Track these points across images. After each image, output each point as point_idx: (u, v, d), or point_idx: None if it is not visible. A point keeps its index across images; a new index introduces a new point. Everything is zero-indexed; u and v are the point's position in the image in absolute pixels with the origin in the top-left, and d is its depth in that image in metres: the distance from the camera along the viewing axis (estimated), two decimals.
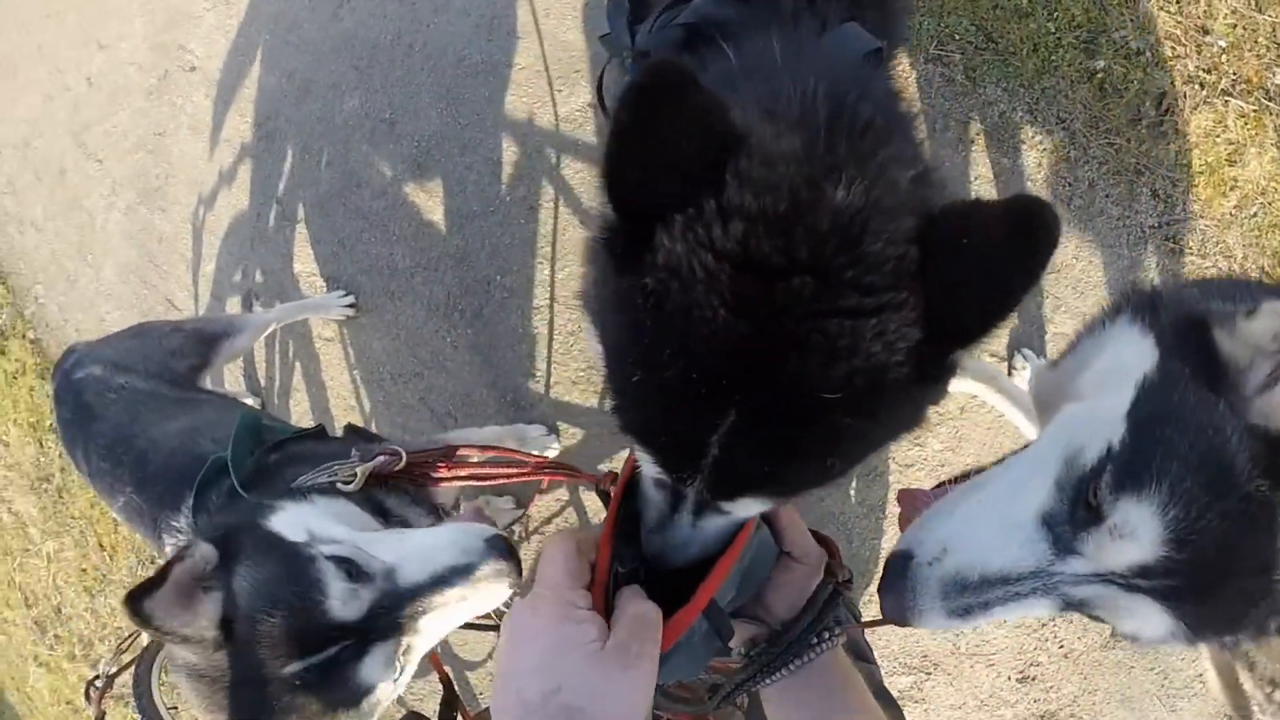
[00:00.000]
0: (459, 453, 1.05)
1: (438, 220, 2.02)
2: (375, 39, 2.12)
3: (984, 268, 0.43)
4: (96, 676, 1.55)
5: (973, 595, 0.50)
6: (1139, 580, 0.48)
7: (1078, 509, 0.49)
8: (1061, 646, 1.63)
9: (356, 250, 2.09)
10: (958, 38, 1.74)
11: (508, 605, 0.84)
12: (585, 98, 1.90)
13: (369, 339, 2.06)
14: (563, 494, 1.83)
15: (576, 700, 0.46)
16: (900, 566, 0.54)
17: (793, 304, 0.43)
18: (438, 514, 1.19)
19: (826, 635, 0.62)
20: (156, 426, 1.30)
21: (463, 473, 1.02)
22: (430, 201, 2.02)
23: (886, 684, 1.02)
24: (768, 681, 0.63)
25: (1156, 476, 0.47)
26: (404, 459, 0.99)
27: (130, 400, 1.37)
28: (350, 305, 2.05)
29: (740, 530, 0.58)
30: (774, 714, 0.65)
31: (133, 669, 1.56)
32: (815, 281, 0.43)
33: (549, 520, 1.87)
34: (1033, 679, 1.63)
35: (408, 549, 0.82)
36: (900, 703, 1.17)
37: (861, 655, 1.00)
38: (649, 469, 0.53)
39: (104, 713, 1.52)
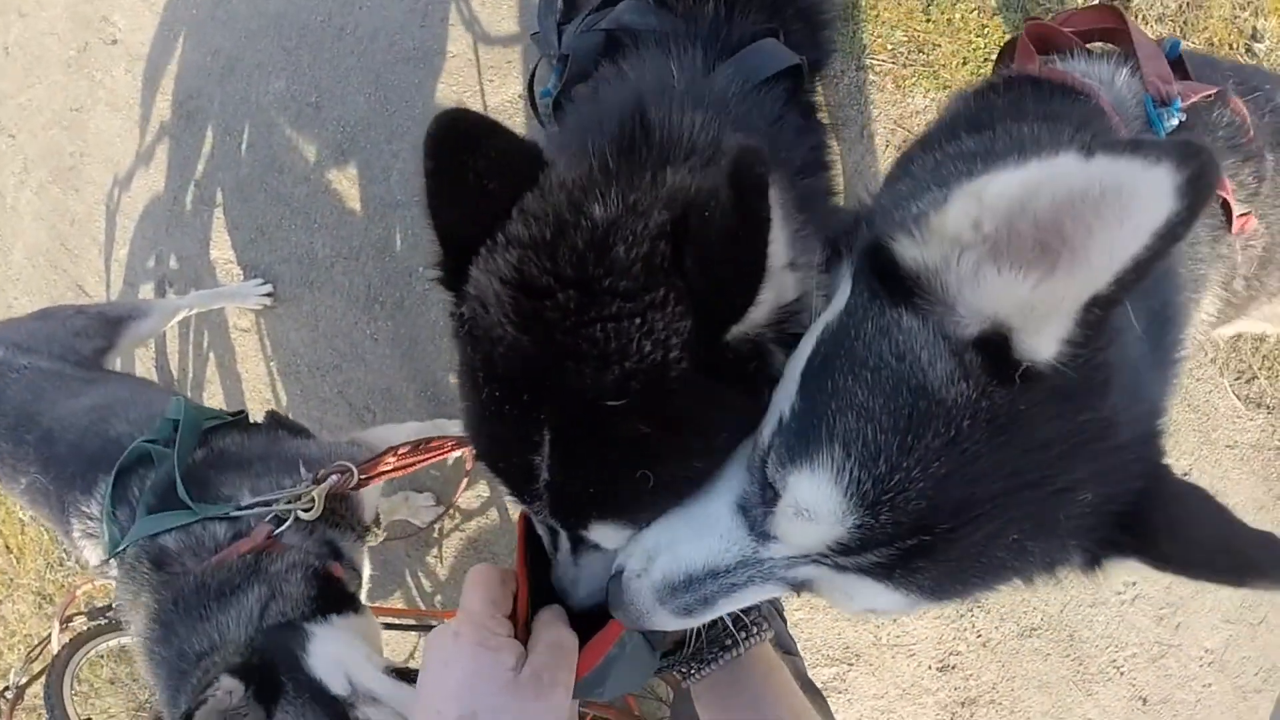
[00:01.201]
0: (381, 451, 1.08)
1: (360, 209, 1.96)
2: (305, 20, 2.05)
3: (724, 237, 0.42)
4: (6, 687, 1.46)
5: (689, 593, 0.48)
6: (843, 559, 0.41)
7: (766, 490, 0.44)
8: (980, 636, 1.67)
9: (276, 238, 2.01)
10: (889, 48, 1.77)
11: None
12: (516, 89, 1.87)
13: (286, 330, 1.99)
14: (483, 489, 1.79)
15: None
16: (615, 583, 0.52)
17: (560, 317, 0.46)
18: (364, 532, 1.20)
19: (754, 630, 0.64)
20: (63, 404, 1.26)
21: (389, 465, 1.03)
22: (353, 189, 1.96)
23: (811, 675, 1.04)
24: (696, 677, 0.64)
25: (827, 439, 0.40)
26: (356, 475, 1.01)
27: (34, 380, 1.32)
28: (268, 294, 1.97)
29: None
30: (705, 708, 0.66)
31: (44, 678, 1.49)
32: (578, 294, 0.46)
33: (470, 517, 1.82)
34: (953, 668, 1.67)
35: None
36: (824, 693, 1.18)
37: (785, 648, 1.04)
38: (508, 497, 0.57)
39: None
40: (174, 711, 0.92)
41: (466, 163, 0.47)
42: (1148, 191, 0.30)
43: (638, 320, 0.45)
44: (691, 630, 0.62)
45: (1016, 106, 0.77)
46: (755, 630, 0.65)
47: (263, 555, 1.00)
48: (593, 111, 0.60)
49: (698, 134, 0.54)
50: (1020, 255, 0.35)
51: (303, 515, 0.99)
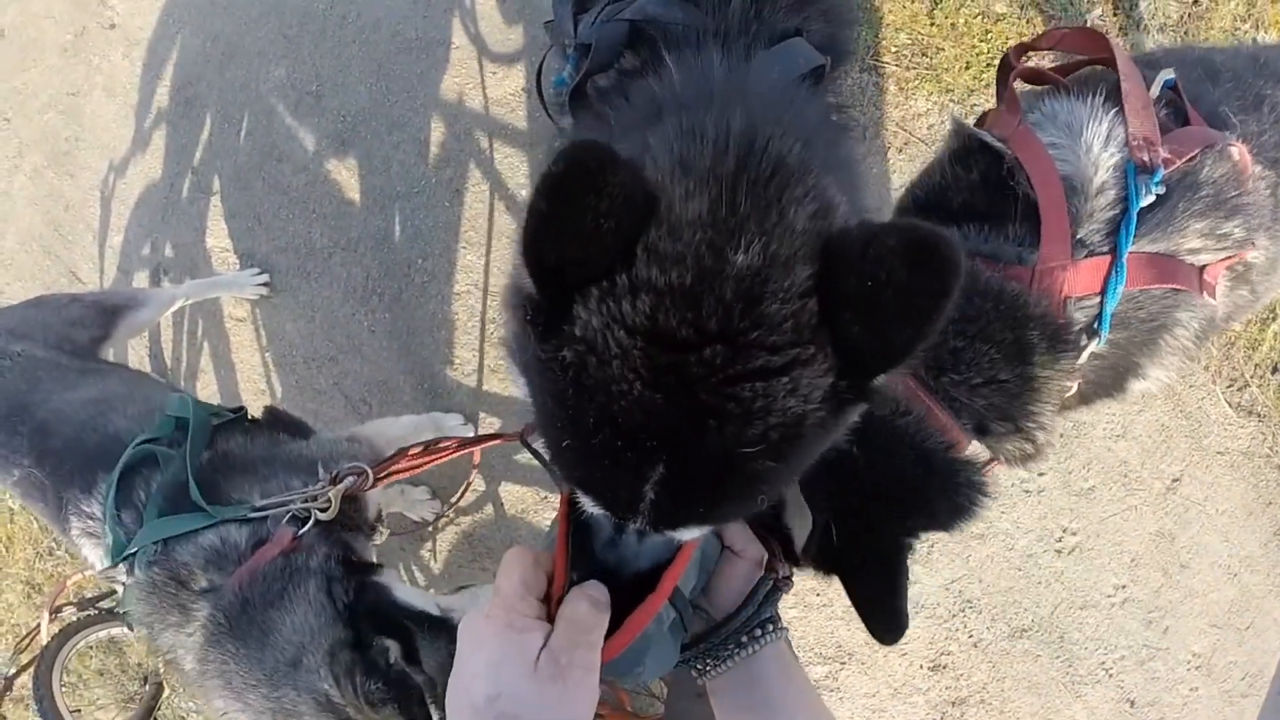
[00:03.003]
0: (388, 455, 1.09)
1: (359, 199, 1.94)
2: (307, 7, 2.03)
3: (894, 308, 0.43)
4: None
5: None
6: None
7: None
8: (971, 636, 1.68)
9: (273, 227, 2.00)
10: (894, 50, 1.77)
11: None
12: (519, 82, 1.86)
13: (283, 320, 1.97)
14: (478, 484, 1.78)
15: (513, 708, 0.49)
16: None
17: (705, 374, 0.44)
18: (373, 531, 1.22)
19: (770, 628, 0.64)
20: (59, 396, 1.24)
21: (402, 466, 1.02)
22: (353, 180, 1.94)
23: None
24: (714, 673, 0.64)
25: None
26: (371, 476, 1.00)
27: (28, 368, 1.30)
28: (264, 284, 1.95)
29: None
30: (722, 707, 0.66)
31: (33, 669, 1.47)
32: (725, 349, 0.44)
33: (466, 512, 1.81)
34: (944, 667, 1.68)
35: None
36: (817, 692, 1.19)
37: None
38: (591, 509, 0.54)
39: (3, 716, 1.41)
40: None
41: (588, 203, 0.42)
42: None
43: (784, 379, 0.44)
44: (710, 623, 0.64)
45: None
46: (771, 629, 0.65)
47: (289, 556, 0.99)
48: (686, 122, 0.54)
49: (790, 155, 0.51)
50: None
51: (320, 516, 0.98)
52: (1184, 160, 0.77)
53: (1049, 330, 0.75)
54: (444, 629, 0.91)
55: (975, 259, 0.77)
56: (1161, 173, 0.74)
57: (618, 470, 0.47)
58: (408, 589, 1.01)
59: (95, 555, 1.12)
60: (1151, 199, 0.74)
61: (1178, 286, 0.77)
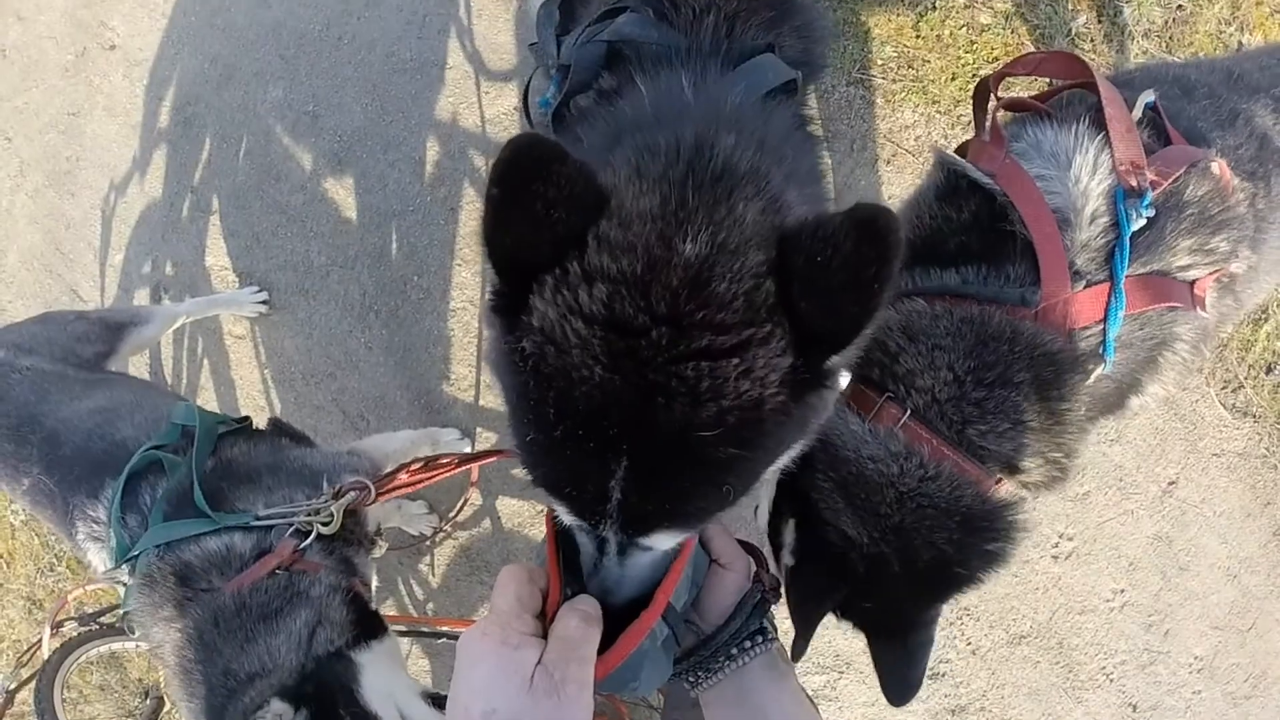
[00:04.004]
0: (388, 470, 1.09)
1: (356, 218, 1.96)
2: (304, 29, 2.06)
3: (840, 279, 0.45)
4: None
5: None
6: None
7: None
8: (969, 643, 1.67)
9: (272, 245, 2.02)
10: (880, 63, 1.79)
11: None
12: (512, 100, 1.88)
13: (281, 337, 1.99)
14: (476, 499, 1.79)
15: None
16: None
17: (653, 355, 0.46)
18: (373, 545, 1.22)
19: (760, 639, 0.65)
20: (67, 406, 1.26)
21: (403, 481, 1.03)
22: (349, 198, 1.97)
23: (801, 683, 1.03)
24: (706, 684, 0.65)
25: None
26: (373, 491, 1.01)
27: (36, 381, 1.32)
28: (263, 302, 1.97)
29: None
30: (714, 716, 0.67)
31: (34, 683, 1.47)
32: (670, 330, 0.46)
33: (463, 527, 1.82)
34: (942, 675, 1.67)
35: None
36: (815, 701, 1.18)
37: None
38: (565, 518, 0.55)
39: None
40: None
41: (537, 190, 0.45)
42: None
43: (735, 360, 0.46)
44: (699, 636, 0.66)
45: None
46: (761, 640, 0.65)
47: (295, 574, 1.00)
48: (643, 138, 0.57)
49: (742, 161, 0.54)
50: None
51: (323, 530, 0.99)
52: (1170, 181, 0.78)
53: (1063, 363, 0.76)
54: None
55: (984, 305, 0.78)
56: (1150, 195, 0.75)
57: (583, 464, 0.48)
58: (383, 677, 0.95)
59: (99, 558, 1.13)
60: (1142, 222, 0.76)
61: (1174, 304, 0.79)
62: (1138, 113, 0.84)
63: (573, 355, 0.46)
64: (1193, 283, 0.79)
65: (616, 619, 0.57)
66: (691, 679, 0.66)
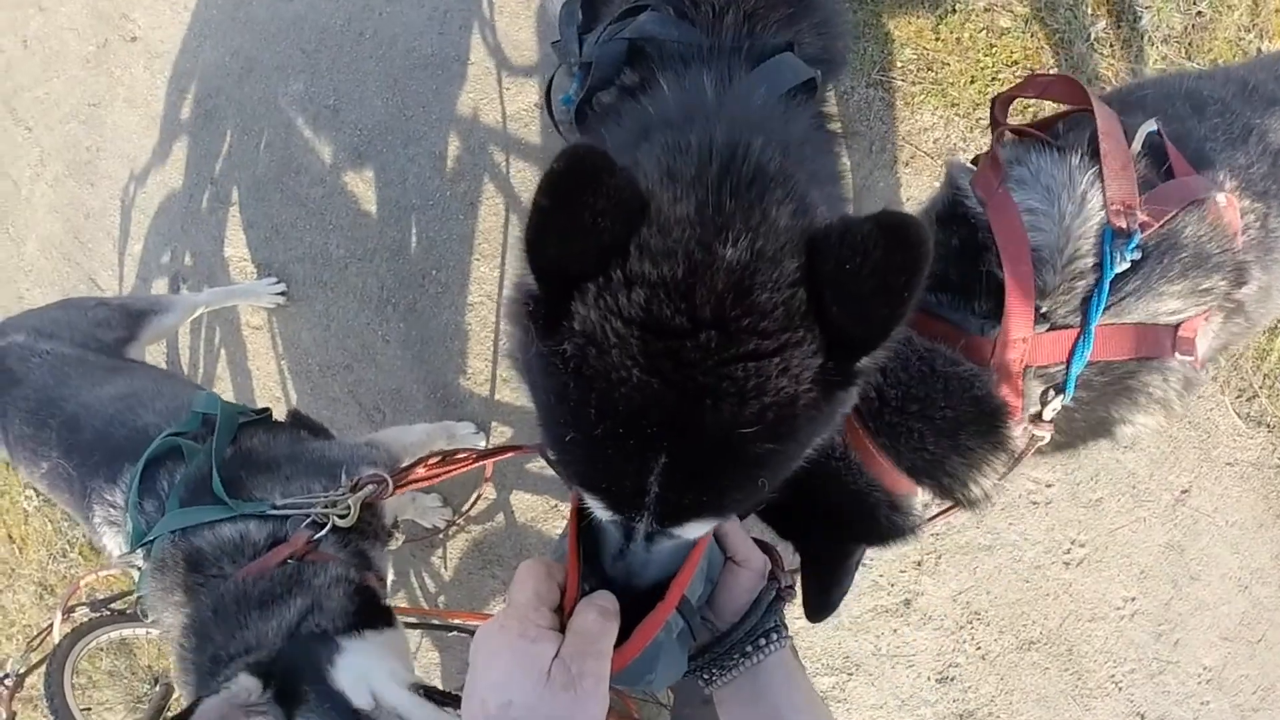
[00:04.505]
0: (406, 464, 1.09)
1: (375, 211, 1.98)
2: (325, 23, 2.08)
3: (870, 285, 0.46)
4: (5, 675, 1.45)
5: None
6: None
7: None
8: (979, 648, 1.67)
9: (291, 237, 2.03)
10: (899, 65, 1.79)
11: None
12: (533, 97, 1.89)
13: (298, 329, 2.00)
14: (489, 492, 1.80)
15: (525, 716, 0.50)
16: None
17: (701, 358, 0.47)
18: (389, 538, 1.21)
19: (774, 636, 0.65)
20: (88, 391, 1.26)
21: (420, 475, 1.03)
22: (369, 192, 1.98)
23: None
24: (720, 682, 0.65)
25: None
26: (391, 485, 1.01)
27: (57, 365, 1.33)
28: (281, 293, 1.99)
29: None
30: (727, 714, 0.67)
31: (44, 668, 1.48)
32: (719, 334, 0.47)
33: (476, 520, 1.83)
34: (951, 679, 1.67)
35: None
36: (824, 703, 1.19)
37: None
38: (599, 512, 0.55)
39: (14, 714, 1.43)
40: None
41: (586, 201, 0.46)
42: None
43: (776, 360, 0.47)
44: (714, 633, 0.66)
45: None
46: (775, 637, 0.66)
47: (305, 565, 0.99)
48: (672, 137, 0.57)
49: (771, 163, 0.55)
50: None
51: (339, 523, 0.99)
52: (1162, 222, 0.76)
53: (987, 409, 0.77)
54: (346, 716, 0.84)
55: (946, 332, 0.80)
56: (1138, 238, 0.74)
57: (621, 461, 0.49)
58: (367, 663, 0.92)
59: (115, 543, 1.14)
60: (1126, 265, 0.74)
61: (1148, 356, 0.78)
62: (1137, 145, 0.82)
63: (615, 357, 0.47)
64: (1178, 325, 0.77)
65: (631, 614, 0.58)
66: (706, 676, 0.67)
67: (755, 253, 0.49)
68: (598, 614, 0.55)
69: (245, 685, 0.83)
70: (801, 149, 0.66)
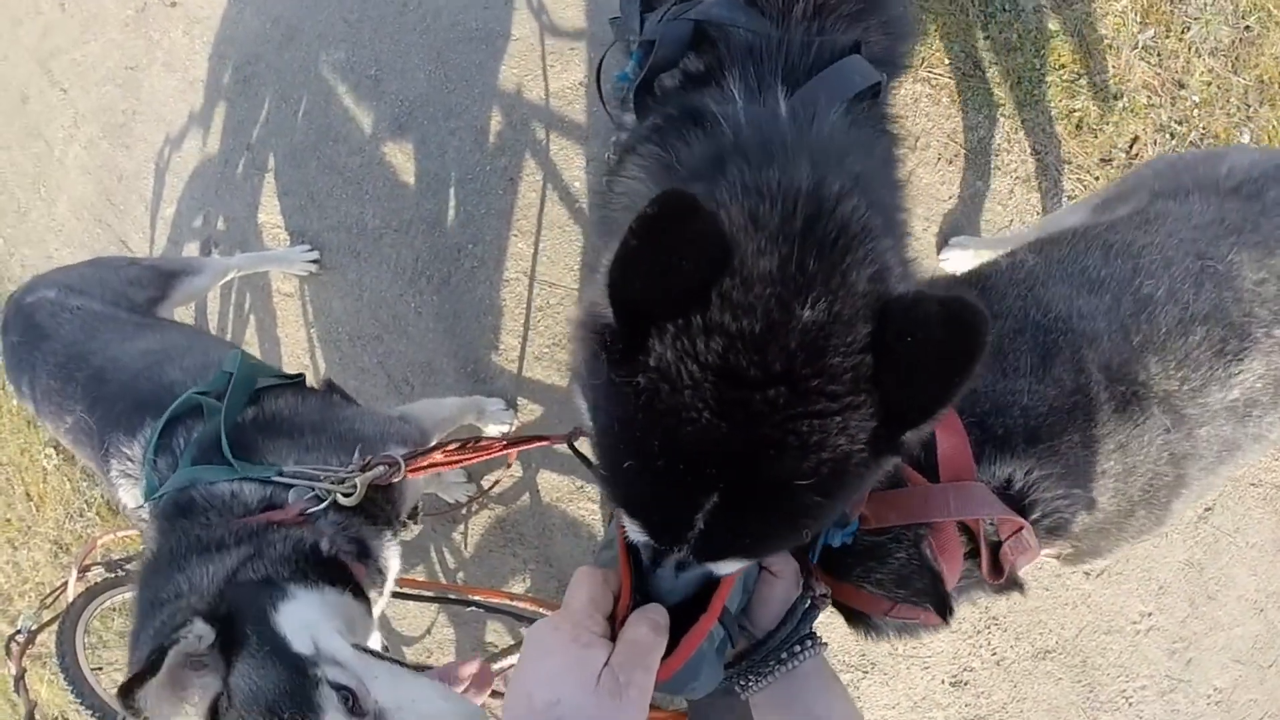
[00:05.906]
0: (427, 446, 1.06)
1: (413, 183, 1.97)
2: None
3: (926, 364, 0.49)
4: (17, 632, 1.44)
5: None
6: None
7: None
8: (995, 654, 1.67)
9: (326, 206, 2.03)
10: (948, 62, 1.79)
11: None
12: (578, 75, 1.89)
13: (330, 297, 2.00)
14: (515, 469, 1.80)
15: (570, 716, 0.51)
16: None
17: (769, 410, 0.49)
18: (400, 526, 1.17)
19: (809, 644, 0.67)
20: (117, 345, 1.26)
21: (435, 461, 1.02)
22: (407, 163, 1.98)
23: None
24: (755, 688, 0.67)
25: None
26: (403, 469, 0.99)
27: (87, 320, 1.32)
28: (314, 261, 1.98)
29: None
30: (761, 719, 0.69)
31: (56, 626, 1.48)
32: (788, 391, 0.49)
33: (500, 499, 1.83)
34: (965, 684, 1.67)
35: (405, 698, 0.82)
36: (858, 709, 1.19)
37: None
38: (635, 535, 0.57)
39: (24, 670, 1.42)
40: (136, 655, 0.88)
41: (673, 245, 0.47)
42: None
43: (838, 419, 0.49)
44: (751, 641, 0.68)
45: None
46: (810, 644, 0.67)
47: (271, 527, 0.95)
48: (752, 177, 0.58)
49: (854, 220, 0.56)
50: None
51: (342, 500, 0.97)
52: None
53: None
54: (284, 668, 0.79)
55: None
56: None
57: (674, 495, 0.51)
58: (312, 613, 0.87)
59: (130, 496, 1.13)
60: None
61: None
62: None
63: (688, 397, 0.49)
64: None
65: (675, 623, 0.59)
66: (742, 682, 0.68)
67: (832, 315, 0.50)
68: (650, 628, 0.57)
69: (199, 633, 0.80)
70: (873, 180, 0.67)
